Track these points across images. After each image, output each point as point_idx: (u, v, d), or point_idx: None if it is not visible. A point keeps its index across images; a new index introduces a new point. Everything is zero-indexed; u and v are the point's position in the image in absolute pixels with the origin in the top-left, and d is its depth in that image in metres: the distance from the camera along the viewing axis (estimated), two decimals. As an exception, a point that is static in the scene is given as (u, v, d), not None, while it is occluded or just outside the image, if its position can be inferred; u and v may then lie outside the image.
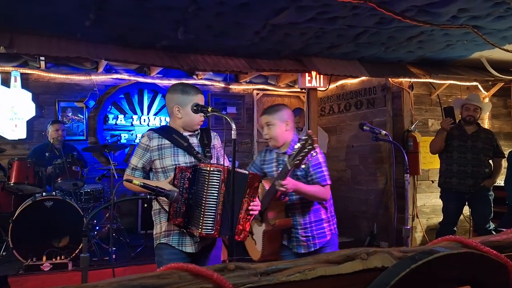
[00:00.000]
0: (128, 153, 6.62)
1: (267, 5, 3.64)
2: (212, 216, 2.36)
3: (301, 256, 2.87)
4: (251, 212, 2.52)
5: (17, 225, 4.39)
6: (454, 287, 1.05)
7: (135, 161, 2.63)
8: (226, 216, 2.29)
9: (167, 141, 2.61)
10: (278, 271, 0.91)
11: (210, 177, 2.39)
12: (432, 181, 5.99)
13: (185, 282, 0.83)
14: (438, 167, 5.23)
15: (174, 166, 2.52)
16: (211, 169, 2.40)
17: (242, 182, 2.47)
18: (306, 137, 2.60)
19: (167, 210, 2.49)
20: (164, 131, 2.69)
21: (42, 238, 4.42)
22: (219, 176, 2.38)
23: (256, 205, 2.53)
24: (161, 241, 2.57)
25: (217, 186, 2.37)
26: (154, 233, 2.65)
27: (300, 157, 2.59)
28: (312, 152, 2.56)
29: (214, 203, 2.36)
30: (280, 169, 2.84)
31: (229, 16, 3.88)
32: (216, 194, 2.36)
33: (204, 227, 2.35)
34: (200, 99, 2.65)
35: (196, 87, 2.76)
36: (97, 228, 5.45)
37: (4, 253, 4.51)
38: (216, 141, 2.81)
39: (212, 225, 2.34)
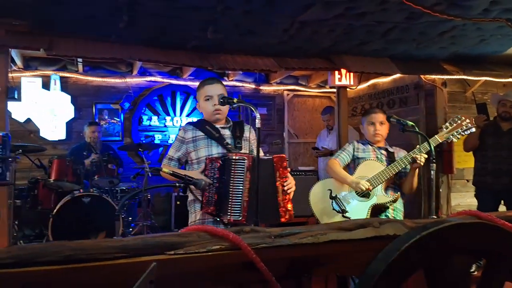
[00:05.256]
0: (161, 153, 6.79)
1: (294, 1, 3.68)
2: (238, 203, 2.42)
3: None
4: (288, 191, 2.56)
5: (57, 220, 4.63)
6: (470, 258, 1.06)
7: (172, 152, 2.80)
8: (252, 203, 2.34)
9: (201, 133, 2.72)
10: (291, 234, 0.95)
11: (236, 165, 2.46)
12: (467, 180, 5.84)
13: (204, 240, 0.90)
14: (473, 165, 5.11)
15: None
16: (237, 157, 2.48)
17: (270, 168, 2.54)
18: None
19: (201, 199, 2.57)
20: (198, 124, 2.82)
21: (80, 233, 4.60)
22: (243, 163, 2.45)
23: (290, 183, 2.58)
24: None
25: (242, 174, 2.43)
26: (189, 222, 2.76)
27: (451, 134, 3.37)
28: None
29: (240, 190, 2.43)
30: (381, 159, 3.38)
31: (257, 14, 3.95)
32: (241, 182, 2.43)
33: (233, 214, 2.42)
34: (209, 89, 2.73)
35: (209, 78, 2.86)
36: (132, 225, 5.62)
37: (44, 247, 4.71)
38: (248, 133, 2.85)
39: (240, 211, 2.41)
